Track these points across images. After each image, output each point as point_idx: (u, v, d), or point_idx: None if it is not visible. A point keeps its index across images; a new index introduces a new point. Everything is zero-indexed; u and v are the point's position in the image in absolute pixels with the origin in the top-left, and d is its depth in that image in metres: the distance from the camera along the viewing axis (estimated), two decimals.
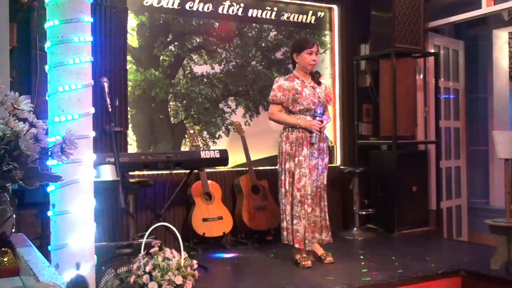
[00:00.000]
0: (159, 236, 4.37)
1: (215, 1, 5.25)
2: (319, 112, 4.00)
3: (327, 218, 4.08)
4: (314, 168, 3.98)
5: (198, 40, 5.21)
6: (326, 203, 4.08)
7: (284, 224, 4.02)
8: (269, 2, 5.55)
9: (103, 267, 2.90)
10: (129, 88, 4.75)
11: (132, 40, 4.88)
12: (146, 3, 4.94)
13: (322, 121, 4.00)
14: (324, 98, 4.12)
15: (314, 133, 3.96)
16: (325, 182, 4.08)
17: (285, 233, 4.01)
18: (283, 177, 4.02)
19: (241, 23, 5.42)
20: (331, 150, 5.78)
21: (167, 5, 5.02)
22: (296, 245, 3.96)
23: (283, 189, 4.02)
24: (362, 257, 4.30)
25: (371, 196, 5.66)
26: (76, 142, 1.50)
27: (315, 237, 4.01)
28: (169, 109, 5.05)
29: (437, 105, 5.83)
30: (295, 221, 3.95)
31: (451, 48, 6.32)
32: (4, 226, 1.40)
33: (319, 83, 4.15)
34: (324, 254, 4.10)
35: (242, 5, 5.38)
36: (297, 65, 4.12)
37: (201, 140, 5.08)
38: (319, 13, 5.85)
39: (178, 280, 2.80)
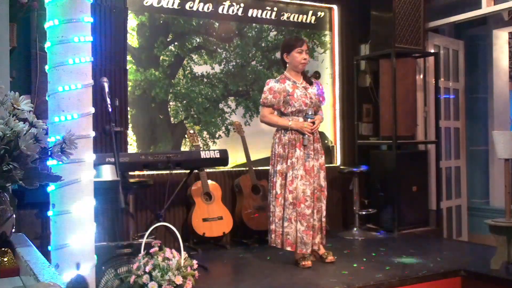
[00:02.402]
0: (159, 236, 4.37)
1: (215, 1, 5.25)
2: (310, 113, 3.98)
3: (323, 219, 4.05)
4: (312, 170, 3.97)
5: (198, 40, 5.21)
6: (322, 204, 4.04)
7: (273, 226, 3.98)
8: (269, 2, 5.55)
9: (103, 267, 2.90)
10: (129, 88, 4.75)
11: (132, 40, 4.88)
12: (146, 3, 4.94)
13: (313, 122, 3.98)
14: (317, 98, 4.09)
15: (306, 135, 3.95)
16: (322, 183, 4.04)
17: (273, 235, 3.98)
18: (274, 179, 3.99)
19: (241, 23, 5.41)
20: (331, 150, 5.79)
21: (167, 5, 5.02)
22: (288, 248, 3.94)
23: (273, 191, 3.99)
24: (362, 257, 4.30)
25: (371, 196, 5.66)
26: (76, 142, 1.50)
27: (315, 242, 4.00)
28: (169, 109, 5.05)
29: (437, 105, 5.83)
30: (285, 224, 3.91)
31: (451, 48, 6.32)
32: (4, 226, 1.40)
33: (311, 83, 4.13)
34: (325, 253, 4.09)
35: (242, 5, 5.38)
36: (288, 65, 4.10)
37: (201, 140, 5.09)
38: (319, 13, 5.85)
39: (178, 280, 2.80)
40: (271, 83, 4.06)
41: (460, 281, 3.79)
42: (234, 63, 5.37)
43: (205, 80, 5.22)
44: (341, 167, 5.73)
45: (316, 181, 3.99)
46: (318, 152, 4.04)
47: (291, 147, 3.96)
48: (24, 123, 1.37)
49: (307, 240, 3.91)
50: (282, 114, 4.04)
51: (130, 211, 4.30)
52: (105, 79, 3.80)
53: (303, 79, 4.11)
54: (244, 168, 5.14)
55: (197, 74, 5.18)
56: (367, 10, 5.77)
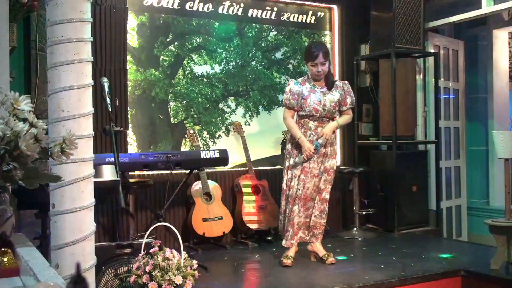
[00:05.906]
0: (159, 236, 4.37)
1: (215, 1, 5.25)
2: (320, 141, 3.96)
3: (314, 218, 4.03)
4: (308, 172, 3.98)
5: (198, 40, 5.21)
6: (316, 205, 4.03)
7: (281, 220, 4.16)
8: (269, 2, 5.54)
9: (103, 267, 2.90)
10: (129, 88, 4.76)
11: (132, 40, 4.88)
12: (146, 3, 4.94)
13: (316, 149, 3.95)
14: (334, 105, 4.02)
15: (301, 156, 3.95)
16: (321, 185, 4.03)
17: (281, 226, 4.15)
18: (283, 175, 4.11)
19: (241, 23, 5.42)
20: None
21: (167, 5, 5.02)
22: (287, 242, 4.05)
23: (282, 186, 4.11)
24: (362, 257, 4.30)
25: (371, 196, 5.66)
26: (76, 142, 1.50)
27: (302, 236, 4.05)
28: (169, 109, 5.05)
29: (437, 105, 5.83)
30: (286, 219, 4.05)
31: (451, 48, 6.31)
32: (4, 226, 1.41)
33: (331, 88, 4.05)
34: (326, 255, 4.09)
35: (242, 5, 5.38)
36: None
37: (201, 140, 5.09)
38: (319, 13, 5.84)
39: (178, 280, 2.80)
40: (292, 84, 4.07)
41: (460, 281, 3.79)
42: (234, 63, 5.37)
43: (205, 80, 5.22)
44: (341, 167, 5.72)
45: (314, 182, 4.01)
46: (326, 156, 4.04)
47: (298, 147, 3.99)
48: (24, 123, 1.37)
49: (288, 235, 4.00)
50: (297, 115, 4.09)
51: (130, 211, 4.30)
52: (105, 79, 3.79)
53: (324, 84, 4.08)
54: (244, 168, 5.14)
55: (197, 74, 5.18)
56: (367, 10, 5.77)
